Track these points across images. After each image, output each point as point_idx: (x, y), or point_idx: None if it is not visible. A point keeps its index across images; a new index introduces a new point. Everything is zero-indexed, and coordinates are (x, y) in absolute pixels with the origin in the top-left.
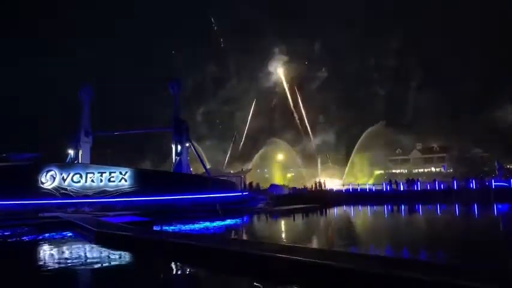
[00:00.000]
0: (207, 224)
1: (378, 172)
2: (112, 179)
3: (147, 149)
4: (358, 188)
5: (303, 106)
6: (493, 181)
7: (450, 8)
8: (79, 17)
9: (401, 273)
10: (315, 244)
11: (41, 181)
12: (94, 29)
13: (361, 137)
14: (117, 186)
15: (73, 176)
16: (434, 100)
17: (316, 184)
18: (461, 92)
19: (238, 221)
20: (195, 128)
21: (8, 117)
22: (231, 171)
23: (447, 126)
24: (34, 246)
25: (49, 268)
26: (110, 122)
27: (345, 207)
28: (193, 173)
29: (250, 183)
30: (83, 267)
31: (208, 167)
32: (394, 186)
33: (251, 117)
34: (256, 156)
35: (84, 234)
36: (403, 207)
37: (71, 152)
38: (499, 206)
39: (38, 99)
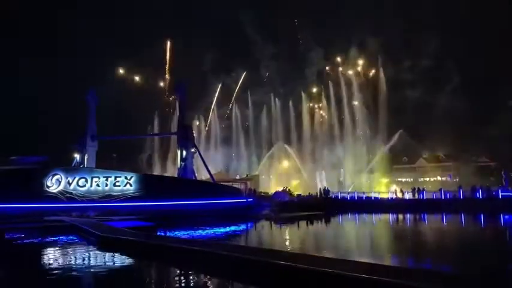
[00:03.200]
0: (212, 229)
1: (383, 180)
2: (117, 184)
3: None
4: (363, 196)
5: None
6: (500, 191)
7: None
8: (81, 18)
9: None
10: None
11: (46, 185)
12: (97, 31)
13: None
14: (122, 190)
15: (78, 180)
16: (441, 108)
17: (321, 191)
18: (466, 99)
19: (243, 227)
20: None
21: (12, 119)
22: (237, 177)
23: (454, 134)
24: (38, 249)
25: (52, 272)
26: (115, 126)
27: (349, 215)
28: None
29: (254, 190)
30: (86, 271)
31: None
32: (399, 195)
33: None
34: (262, 163)
35: (88, 239)
36: (408, 216)
37: (76, 156)
38: (506, 217)
39: (41, 102)
